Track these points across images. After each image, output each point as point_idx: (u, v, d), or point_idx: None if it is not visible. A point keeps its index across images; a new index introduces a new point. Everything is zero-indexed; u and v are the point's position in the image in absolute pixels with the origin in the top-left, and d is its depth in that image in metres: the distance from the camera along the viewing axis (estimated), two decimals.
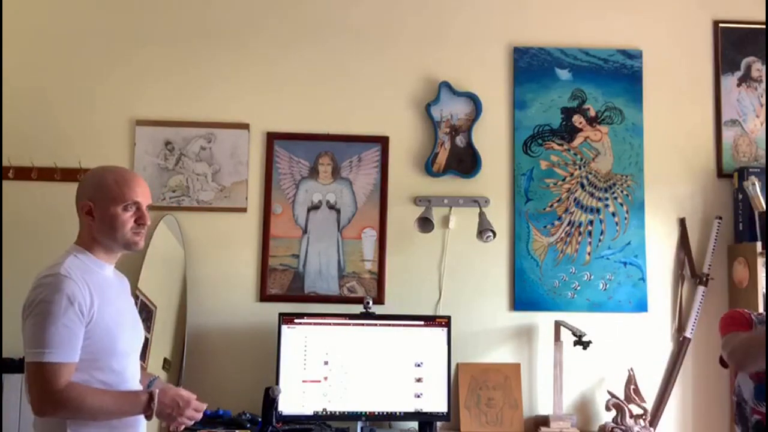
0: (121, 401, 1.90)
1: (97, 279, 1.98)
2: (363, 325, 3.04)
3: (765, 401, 2.08)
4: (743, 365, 2.10)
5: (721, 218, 3.31)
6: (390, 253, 3.27)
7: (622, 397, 3.11)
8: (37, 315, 1.88)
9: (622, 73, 3.39)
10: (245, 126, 3.30)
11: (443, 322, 3.09)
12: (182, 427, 1.98)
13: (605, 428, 3.10)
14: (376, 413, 2.99)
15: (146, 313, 3.01)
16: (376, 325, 3.04)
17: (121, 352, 1.98)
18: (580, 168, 3.36)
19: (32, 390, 1.85)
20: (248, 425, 2.89)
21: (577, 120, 3.38)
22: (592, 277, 3.29)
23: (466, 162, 3.32)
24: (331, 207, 3.29)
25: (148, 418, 1.91)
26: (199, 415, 1.97)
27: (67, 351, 1.86)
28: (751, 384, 2.13)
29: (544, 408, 3.21)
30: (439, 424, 3.06)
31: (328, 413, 2.96)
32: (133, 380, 2.04)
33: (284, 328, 3.00)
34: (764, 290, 3.06)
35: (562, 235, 3.31)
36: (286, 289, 3.24)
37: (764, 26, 3.40)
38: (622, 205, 3.34)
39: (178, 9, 3.35)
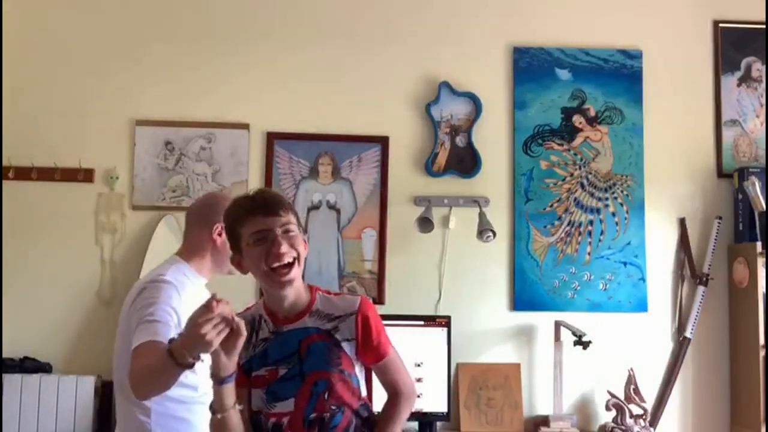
0: (153, 356, 1.76)
1: (192, 290, 2.07)
2: None
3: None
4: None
5: (721, 218, 3.31)
6: (390, 253, 3.27)
7: (622, 397, 3.11)
8: (141, 311, 1.94)
9: (622, 73, 3.39)
10: (245, 126, 3.30)
11: (443, 322, 3.09)
12: (216, 334, 1.61)
13: (605, 428, 3.10)
14: (377, 413, 2.98)
15: None
16: None
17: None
18: (580, 168, 3.35)
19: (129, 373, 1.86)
20: None
21: (577, 120, 3.38)
22: (592, 277, 3.29)
23: (466, 162, 3.32)
24: (331, 207, 3.29)
25: (182, 362, 1.64)
26: (219, 310, 1.58)
27: (162, 333, 1.87)
28: (260, 392, 1.77)
29: (544, 408, 3.21)
30: (439, 424, 3.05)
31: None
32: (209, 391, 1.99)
33: None
34: (764, 290, 3.06)
35: (562, 235, 3.31)
36: None
37: (764, 26, 3.40)
38: (622, 205, 3.34)
39: (179, 9, 3.35)
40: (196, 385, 2.06)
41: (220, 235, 2.12)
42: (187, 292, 2.05)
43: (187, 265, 2.13)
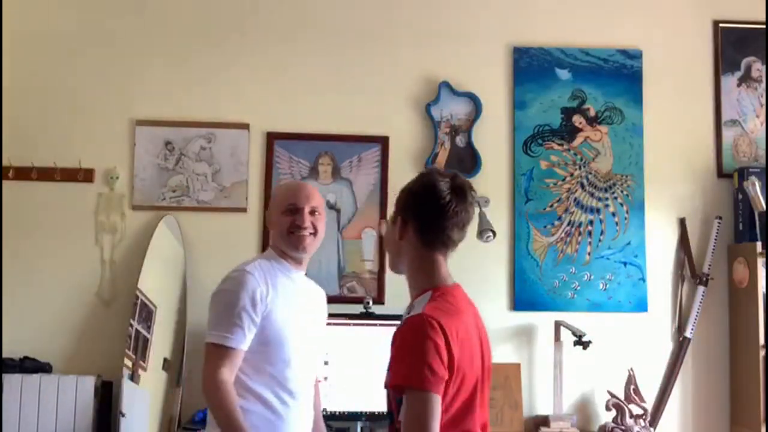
0: (231, 427, 1.94)
1: (281, 281, 2.13)
2: (363, 325, 3.04)
3: None
4: None
5: (721, 218, 3.31)
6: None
7: (622, 397, 3.11)
8: (218, 303, 2.07)
9: (622, 73, 3.39)
10: (245, 126, 3.30)
11: None
12: None
13: (605, 428, 3.10)
14: (376, 413, 2.98)
15: (146, 313, 3.01)
16: (376, 325, 3.04)
17: (289, 350, 2.09)
18: (580, 168, 3.35)
19: (203, 368, 2.02)
20: None
21: (577, 120, 3.38)
22: (592, 277, 3.29)
23: (466, 162, 3.32)
24: (331, 207, 3.28)
25: None
26: None
27: (236, 338, 2.02)
28: None
29: (544, 408, 3.21)
30: None
31: (328, 413, 2.96)
32: (301, 393, 2.13)
33: None
34: (764, 290, 3.06)
35: (562, 235, 3.31)
36: None
37: (764, 26, 3.40)
38: (622, 205, 3.34)
39: (179, 9, 3.35)
40: (294, 390, 2.12)
41: (269, 220, 2.25)
42: (275, 276, 2.12)
43: (273, 252, 2.21)
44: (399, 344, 1.56)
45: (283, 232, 2.16)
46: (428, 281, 1.67)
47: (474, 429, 1.60)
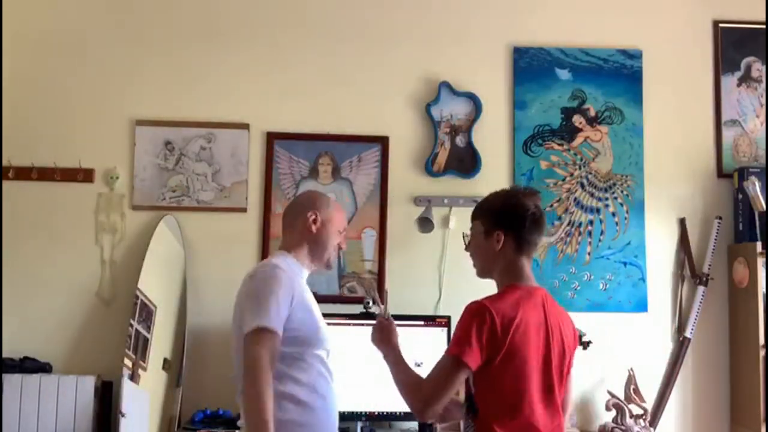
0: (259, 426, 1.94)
1: (299, 280, 2.18)
2: (363, 325, 3.03)
3: None
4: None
5: (721, 218, 3.31)
6: (390, 253, 3.27)
7: (622, 397, 3.11)
8: (253, 294, 2.07)
9: (622, 73, 3.39)
10: (245, 126, 3.30)
11: (443, 322, 3.09)
12: None
13: (605, 428, 3.10)
14: (376, 413, 2.98)
15: (146, 313, 3.01)
16: None
17: (324, 335, 2.19)
18: (580, 168, 3.36)
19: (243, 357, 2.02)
20: None
21: (577, 120, 3.38)
22: (592, 277, 3.29)
23: (466, 162, 3.32)
24: None
25: None
26: None
27: (272, 319, 2.02)
28: None
29: None
30: (439, 423, 3.05)
31: None
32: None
33: None
34: (764, 290, 3.06)
35: (562, 235, 3.31)
36: None
37: (764, 26, 3.40)
38: (622, 205, 3.34)
39: (179, 9, 3.35)
40: (316, 400, 2.16)
41: (315, 222, 2.22)
42: (295, 276, 2.16)
43: (290, 255, 2.22)
44: (457, 324, 1.91)
45: (332, 249, 2.25)
46: (509, 280, 1.98)
47: (531, 406, 1.87)
